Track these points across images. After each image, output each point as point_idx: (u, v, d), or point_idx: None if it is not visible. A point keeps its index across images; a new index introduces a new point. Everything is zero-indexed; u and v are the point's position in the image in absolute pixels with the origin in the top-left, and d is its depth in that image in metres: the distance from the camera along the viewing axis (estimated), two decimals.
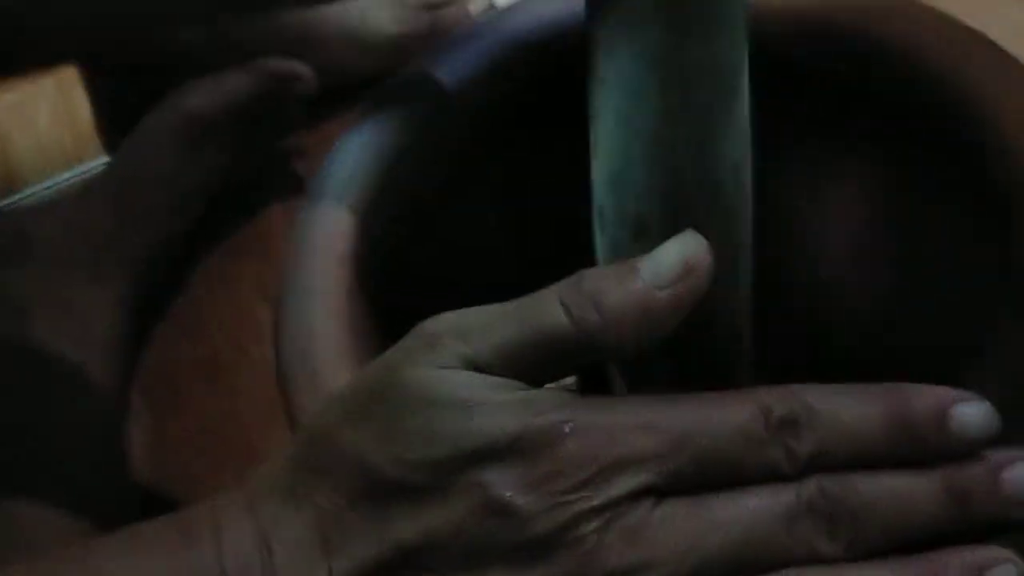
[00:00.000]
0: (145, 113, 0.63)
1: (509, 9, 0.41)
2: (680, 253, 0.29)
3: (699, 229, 0.31)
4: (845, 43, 0.39)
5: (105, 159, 0.70)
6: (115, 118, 0.68)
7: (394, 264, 0.36)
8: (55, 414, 0.55)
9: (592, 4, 0.31)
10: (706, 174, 0.32)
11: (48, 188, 0.71)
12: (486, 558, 0.26)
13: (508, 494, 0.26)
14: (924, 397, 0.28)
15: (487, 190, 0.41)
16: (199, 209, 0.63)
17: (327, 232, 0.35)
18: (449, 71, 0.39)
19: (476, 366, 0.28)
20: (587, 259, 0.36)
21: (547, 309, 0.28)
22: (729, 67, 0.31)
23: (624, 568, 0.25)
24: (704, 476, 0.27)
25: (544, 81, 0.40)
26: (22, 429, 0.53)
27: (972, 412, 0.27)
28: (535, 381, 0.28)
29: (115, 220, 0.60)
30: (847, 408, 0.27)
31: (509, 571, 0.26)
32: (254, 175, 0.67)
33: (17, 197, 0.70)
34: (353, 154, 0.37)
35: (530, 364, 0.28)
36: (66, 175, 0.71)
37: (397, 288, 0.36)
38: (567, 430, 0.26)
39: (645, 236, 0.33)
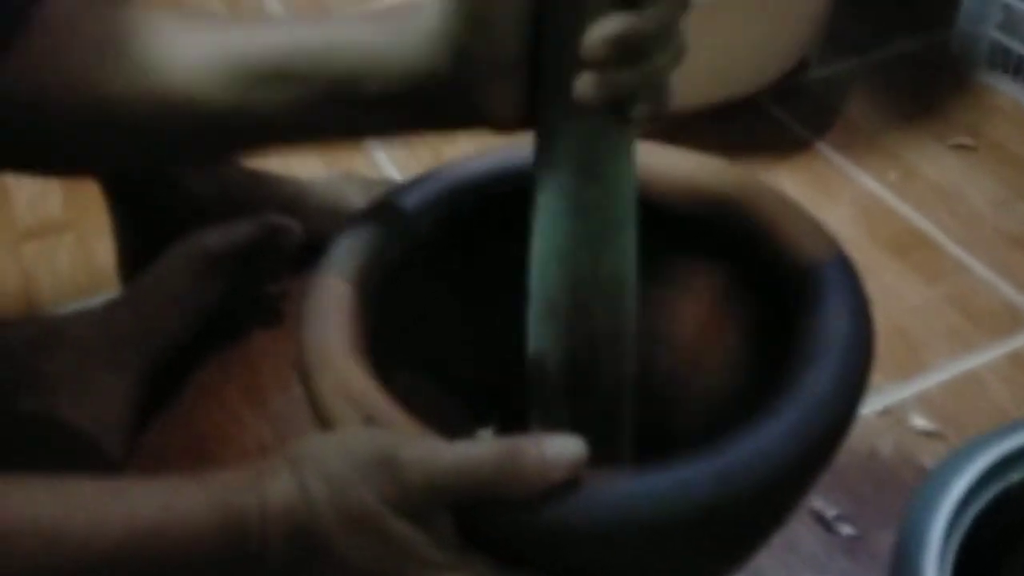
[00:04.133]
0: (156, 256, 0.79)
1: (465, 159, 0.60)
2: (574, 451, 0.41)
3: (590, 313, 0.47)
4: (690, 192, 0.57)
5: (115, 295, 0.85)
6: (132, 257, 0.83)
7: (387, 301, 0.52)
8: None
9: (535, 160, 0.48)
10: (596, 278, 0.48)
11: None
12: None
13: None
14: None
15: (445, 272, 0.58)
16: (200, 325, 0.78)
17: (339, 273, 0.51)
18: (434, 185, 0.57)
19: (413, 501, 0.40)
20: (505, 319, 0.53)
21: (486, 471, 0.40)
22: (616, 207, 0.47)
23: None
24: None
25: (488, 206, 0.58)
26: None
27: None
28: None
29: (133, 325, 0.74)
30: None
31: None
32: (246, 306, 0.83)
33: None
34: (361, 226, 0.54)
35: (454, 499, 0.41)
36: (81, 306, 0.86)
37: (388, 317, 0.52)
38: None
39: (555, 316, 0.49)
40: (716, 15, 0.95)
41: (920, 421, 0.75)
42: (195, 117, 0.50)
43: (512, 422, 0.60)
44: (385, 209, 0.55)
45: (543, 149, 0.47)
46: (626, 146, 0.47)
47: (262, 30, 0.51)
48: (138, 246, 0.83)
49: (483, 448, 0.41)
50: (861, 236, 0.92)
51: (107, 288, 0.86)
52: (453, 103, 0.48)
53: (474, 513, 0.41)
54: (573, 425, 0.51)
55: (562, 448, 0.41)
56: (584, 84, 0.43)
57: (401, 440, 0.42)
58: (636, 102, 0.45)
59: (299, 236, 0.81)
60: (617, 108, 0.44)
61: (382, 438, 0.42)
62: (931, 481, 0.57)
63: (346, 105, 0.49)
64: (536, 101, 0.47)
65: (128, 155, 0.56)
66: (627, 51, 0.42)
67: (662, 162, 0.58)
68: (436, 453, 0.41)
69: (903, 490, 0.70)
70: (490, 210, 0.58)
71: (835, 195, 0.96)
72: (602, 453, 0.51)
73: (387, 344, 0.52)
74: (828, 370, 0.46)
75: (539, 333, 0.51)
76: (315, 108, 0.49)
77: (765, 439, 0.43)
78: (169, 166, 0.75)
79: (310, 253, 0.81)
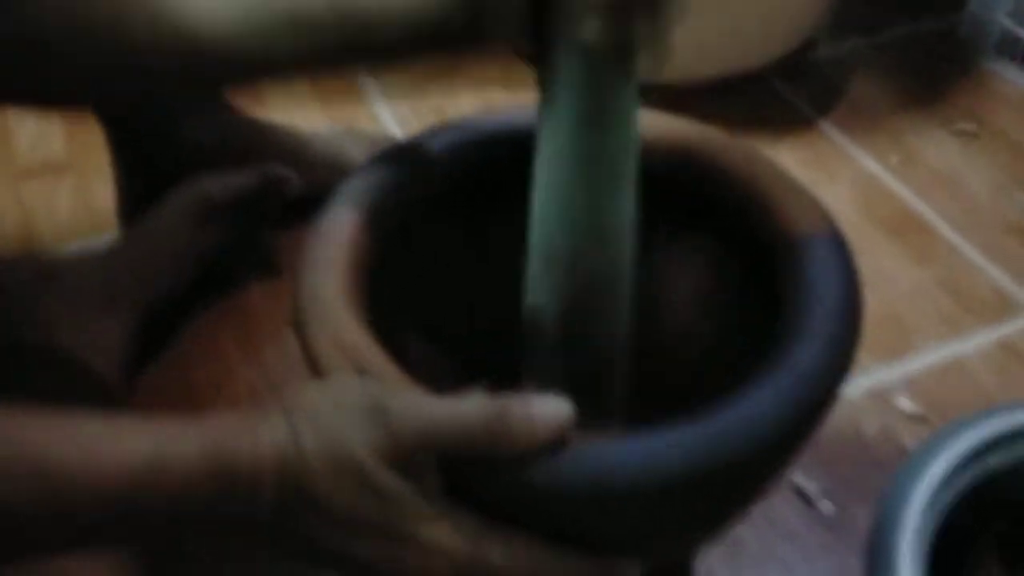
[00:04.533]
0: (157, 201, 0.79)
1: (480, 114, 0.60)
2: (561, 411, 0.41)
3: (587, 262, 0.48)
4: (688, 161, 0.58)
5: (114, 236, 0.85)
6: (133, 201, 0.84)
7: (385, 255, 0.53)
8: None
9: (539, 108, 0.49)
10: (596, 226, 0.49)
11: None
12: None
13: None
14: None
15: (453, 220, 0.58)
16: (197, 273, 0.78)
17: (339, 224, 0.51)
18: (436, 144, 0.57)
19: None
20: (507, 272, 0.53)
21: (474, 427, 0.41)
22: (618, 156, 0.48)
23: None
24: None
25: (491, 166, 0.58)
26: None
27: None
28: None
29: (129, 270, 0.75)
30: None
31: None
32: (243, 255, 0.83)
33: None
34: (363, 179, 0.54)
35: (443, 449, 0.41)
36: (81, 246, 0.86)
37: (385, 272, 0.52)
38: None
39: (554, 265, 0.50)
40: None
41: (906, 403, 0.76)
42: (212, 61, 0.50)
43: (503, 385, 0.61)
44: (386, 165, 0.55)
45: (548, 96, 0.48)
46: (630, 95, 0.48)
47: None
48: (138, 191, 0.83)
49: (472, 404, 0.41)
50: (858, 216, 0.92)
51: (106, 231, 0.87)
52: (462, 41, 0.50)
53: (462, 470, 0.42)
54: (567, 380, 0.52)
55: (550, 408, 0.42)
56: (594, 26, 0.44)
57: (392, 392, 0.42)
58: (641, 50, 0.45)
59: (298, 187, 0.81)
60: (623, 55, 0.45)
61: (374, 389, 0.43)
62: (911, 462, 0.58)
63: (362, 49, 0.50)
64: (542, 48, 0.48)
65: (142, 92, 0.55)
66: None
67: (659, 127, 0.58)
68: (426, 406, 0.41)
69: (885, 470, 0.71)
70: (493, 170, 0.58)
71: (835, 174, 0.96)
72: (593, 409, 0.51)
73: (384, 300, 0.53)
74: (816, 343, 0.46)
75: (537, 286, 0.51)
76: (329, 53, 0.50)
77: (753, 407, 0.43)
78: (180, 99, 0.75)
79: (309, 205, 0.82)
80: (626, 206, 0.50)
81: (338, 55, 0.51)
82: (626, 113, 0.48)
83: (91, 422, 0.41)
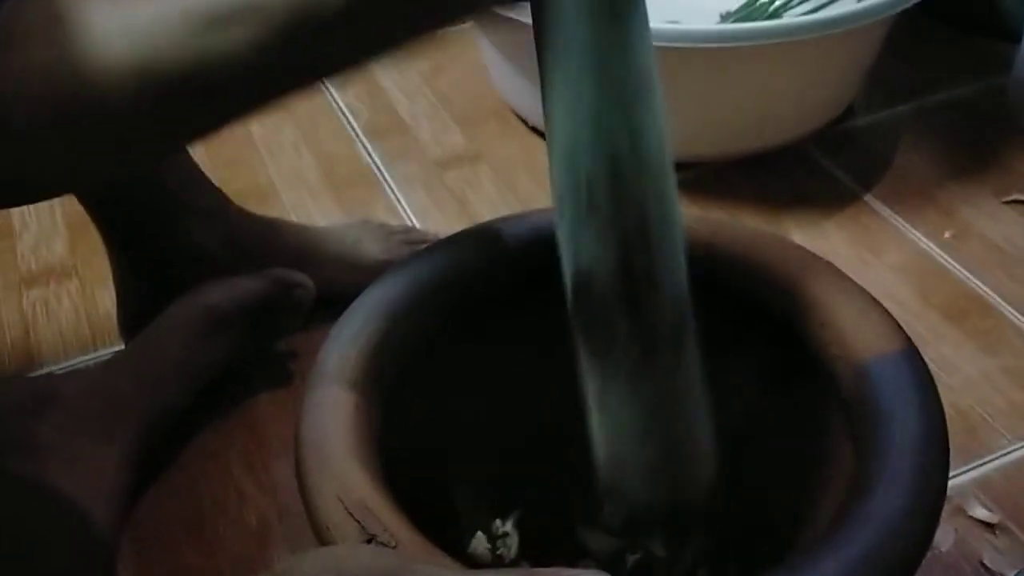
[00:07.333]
0: (160, 310, 0.74)
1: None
2: None
3: (638, 194, 0.40)
4: (726, 264, 0.52)
5: (117, 348, 0.81)
6: (135, 311, 0.79)
7: (390, 393, 0.47)
8: (56, 552, 0.61)
9: (536, 21, 0.39)
10: (637, 149, 0.40)
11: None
12: None
13: None
14: None
15: (461, 352, 0.53)
16: (201, 387, 0.73)
17: (341, 362, 0.46)
18: (443, 262, 0.51)
19: None
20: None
21: None
22: (641, 58, 0.39)
23: None
24: None
25: (509, 277, 0.53)
26: (25, 562, 0.59)
27: None
28: None
29: (131, 388, 0.69)
30: None
31: None
32: (250, 367, 0.78)
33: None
34: (365, 307, 0.48)
35: None
36: (82, 359, 0.81)
37: (390, 410, 0.47)
38: None
39: (595, 209, 0.40)
40: (759, 59, 0.90)
41: (981, 511, 0.69)
42: (157, 85, 0.41)
43: (534, 512, 0.55)
44: (393, 287, 0.50)
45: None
46: None
47: None
48: (140, 300, 0.78)
49: None
50: (913, 299, 0.85)
51: (111, 342, 0.82)
52: None
53: None
54: (640, 348, 0.43)
55: None
56: None
57: (401, 567, 0.36)
58: None
59: (311, 292, 0.76)
60: None
61: (381, 563, 0.37)
62: None
63: (313, 29, 0.40)
64: None
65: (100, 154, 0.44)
66: None
67: (709, 232, 0.52)
68: None
69: None
70: (513, 284, 0.53)
71: (885, 253, 0.90)
72: (672, 379, 0.44)
73: (396, 434, 0.47)
74: (899, 488, 0.40)
75: (576, 243, 0.42)
76: (278, 43, 0.40)
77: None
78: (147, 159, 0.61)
79: (323, 305, 0.77)
80: (662, 123, 0.40)
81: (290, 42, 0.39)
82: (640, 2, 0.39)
83: None
